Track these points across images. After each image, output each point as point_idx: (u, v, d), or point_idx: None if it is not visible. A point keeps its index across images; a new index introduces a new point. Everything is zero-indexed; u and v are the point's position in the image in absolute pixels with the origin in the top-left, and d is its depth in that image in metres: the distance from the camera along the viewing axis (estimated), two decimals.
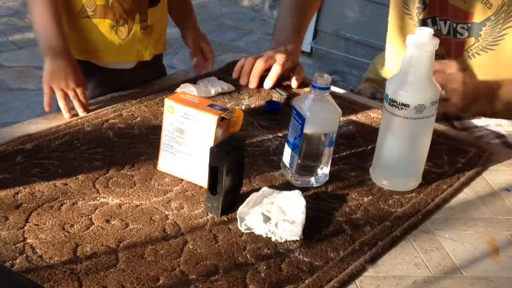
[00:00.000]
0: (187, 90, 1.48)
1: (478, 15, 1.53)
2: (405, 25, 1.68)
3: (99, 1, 1.48)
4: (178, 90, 1.49)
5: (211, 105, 1.17)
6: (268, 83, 1.60)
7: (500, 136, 1.59)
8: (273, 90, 1.59)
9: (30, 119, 1.37)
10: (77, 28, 1.50)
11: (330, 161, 1.23)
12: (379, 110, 1.50)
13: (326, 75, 1.18)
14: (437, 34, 1.55)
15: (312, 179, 1.23)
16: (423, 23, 1.63)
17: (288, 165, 1.23)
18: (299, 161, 1.20)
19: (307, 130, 1.18)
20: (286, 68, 1.63)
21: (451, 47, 1.60)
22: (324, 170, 1.23)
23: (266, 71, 1.62)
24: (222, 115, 1.15)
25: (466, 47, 1.57)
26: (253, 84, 1.60)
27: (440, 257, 1.08)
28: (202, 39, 1.75)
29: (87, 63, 1.53)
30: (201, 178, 1.18)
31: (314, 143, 1.20)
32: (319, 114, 1.19)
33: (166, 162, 1.22)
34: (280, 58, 1.61)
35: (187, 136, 1.18)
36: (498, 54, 1.55)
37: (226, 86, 1.57)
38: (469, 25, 1.55)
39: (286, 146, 1.24)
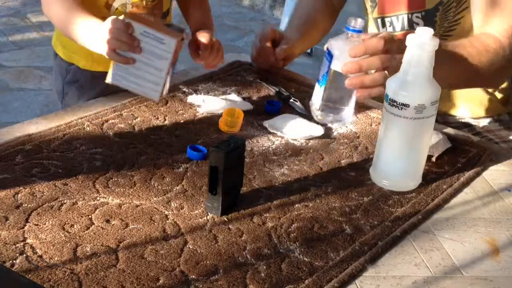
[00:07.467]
0: (196, 102, 1.49)
1: (429, 0, 1.53)
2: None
3: (113, 14, 1.47)
4: (188, 100, 1.50)
5: (168, 25, 1.27)
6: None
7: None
8: (273, 88, 1.59)
9: (30, 119, 1.37)
10: None
11: (354, 104, 1.26)
12: (379, 110, 1.50)
13: (359, 19, 1.25)
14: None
15: (336, 117, 1.25)
16: (375, 22, 1.64)
17: (313, 102, 1.26)
18: (324, 96, 1.23)
19: (334, 66, 1.23)
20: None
21: None
22: (347, 111, 1.25)
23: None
24: (182, 37, 1.25)
25: None
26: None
27: (440, 257, 1.08)
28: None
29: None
30: (151, 91, 1.32)
31: (340, 81, 1.23)
32: (347, 54, 1.23)
33: (117, 75, 1.33)
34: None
35: (144, 53, 1.29)
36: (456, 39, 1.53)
37: (243, 105, 1.49)
38: (423, 13, 1.55)
39: (316, 85, 1.29)
